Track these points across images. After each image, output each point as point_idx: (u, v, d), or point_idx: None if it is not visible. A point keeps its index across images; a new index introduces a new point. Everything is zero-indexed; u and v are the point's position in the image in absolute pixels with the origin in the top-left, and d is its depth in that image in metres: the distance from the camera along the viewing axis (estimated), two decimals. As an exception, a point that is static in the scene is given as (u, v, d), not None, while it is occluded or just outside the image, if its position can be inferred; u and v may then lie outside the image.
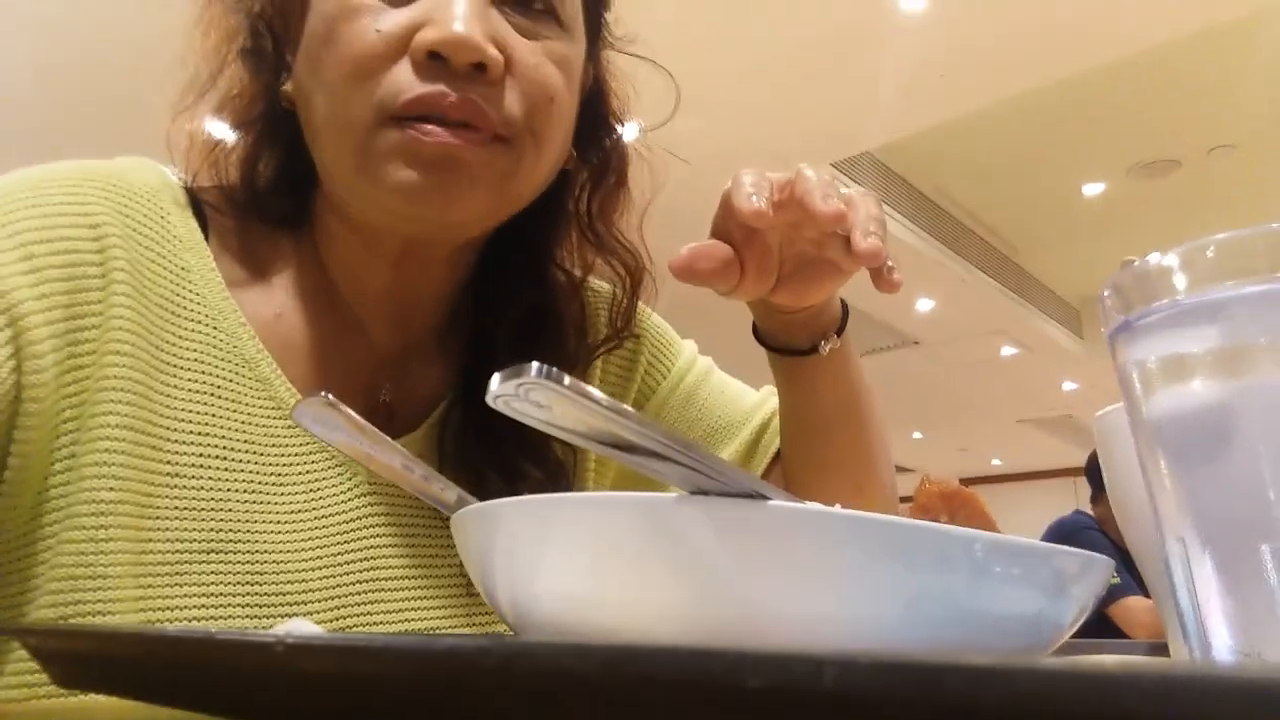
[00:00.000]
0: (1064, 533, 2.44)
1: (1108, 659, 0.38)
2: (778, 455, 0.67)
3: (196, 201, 0.58)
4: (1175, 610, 0.29)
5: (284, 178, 0.59)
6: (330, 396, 0.29)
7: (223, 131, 0.58)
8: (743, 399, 0.71)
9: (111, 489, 0.47)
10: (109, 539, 0.47)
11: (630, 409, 0.23)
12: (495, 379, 0.21)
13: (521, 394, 0.21)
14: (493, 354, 0.61)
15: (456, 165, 0.50)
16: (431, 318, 0.62)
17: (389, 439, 0.31)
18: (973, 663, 0.09)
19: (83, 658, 0.28)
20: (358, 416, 0.30)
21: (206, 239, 0.57)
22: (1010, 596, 0.29)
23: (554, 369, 0.20)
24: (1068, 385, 7.34)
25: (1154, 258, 0.27)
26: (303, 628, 0.32)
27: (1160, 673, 0.09)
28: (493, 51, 0.50)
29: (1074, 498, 7.23)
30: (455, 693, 0.16)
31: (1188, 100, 3.87)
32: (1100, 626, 2.25)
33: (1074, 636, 0.49)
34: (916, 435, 9.26)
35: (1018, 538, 0.29)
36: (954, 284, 5.04)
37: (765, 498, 0.25)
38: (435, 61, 0.50)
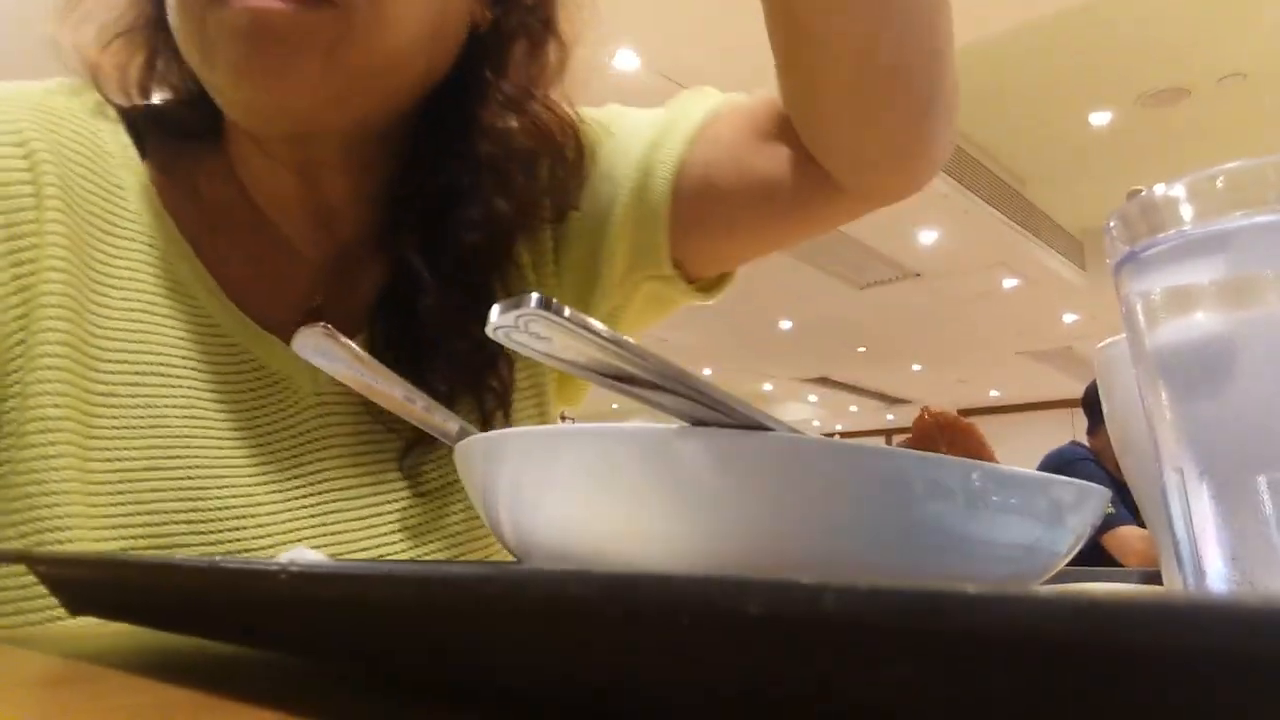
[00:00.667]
0: (1059, 463, 2.46)
1: (1102, 587, 0.39)
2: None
3: (131, 119, 0.56)
4: (1171, 540, 0.29)
5: (186, 89, 0.56)
6: (329, 327, 0.29)
7: (118, 45, 0.55)
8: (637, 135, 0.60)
9: (56, 405, 0.47)
10: (58, 455, 0.47)
11: (631, 341, 0.23)
12: (495, 310, 0.20)
13: (521, 325, 0.20)
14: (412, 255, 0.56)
15: (272, 34, 0.45)
16: (358, 222, 0.58)
17: (390, 370, 0.31)
18: (969, 590, 0.09)
19: (88, 585, 0.29)
20: (357, 347, 0.30)
21: (143, 157, 0.55)
22: (1007, 525, 0.29)
23: (554, 300, 0.20)
24: (1068, 317, 7.34)
25: (1160, 188, 0.26)
26: (305, 555, 0.33)
27: (1162, 602, 0.09)
28: None
29: (1071, 429, 7.28)
30: (455, 619, 0.17)
31: (1198, 28, 3.79)
32: (1093, 555, 2.29)
33: (1068, 565, 0.49)
34: (916, 367, 9.29)
35: (1015, 468, 0.30)
36: (958, 215, 5.00)
37: (766, 428, 0.25)
38: None
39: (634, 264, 0.60)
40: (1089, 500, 0.33)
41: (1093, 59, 4.04)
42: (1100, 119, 4.59)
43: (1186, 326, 0.26)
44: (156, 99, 0.57)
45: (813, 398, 11.09)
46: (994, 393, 10.52)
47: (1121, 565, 2.22)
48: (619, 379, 0.24)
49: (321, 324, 0.29)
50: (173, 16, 0.49)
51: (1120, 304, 0.29)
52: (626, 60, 3.54)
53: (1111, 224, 0.29)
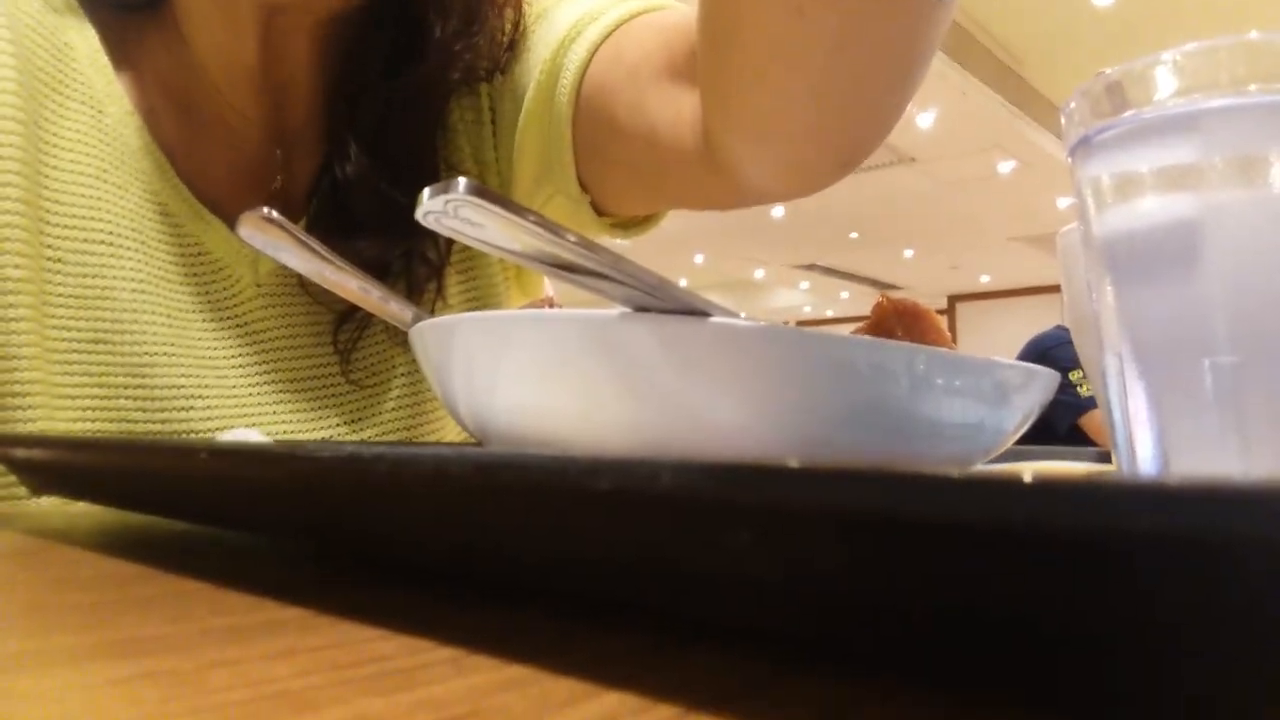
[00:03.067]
0: (1042, 348, 2.49)
1: (1044, 465, 0.40)
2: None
3: None
4: (1111, 423, 0.30)
5: None
6: (273, 213, 0.28)
7: None
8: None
9: (17, 266, 0.47)
10: (18, 318, 0.47)
11: (569, 230, 0.23)
12: (424, 194, 0.20)
13: (451, 210, 0.20)
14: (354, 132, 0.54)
15: None
16: (311, 103, 0.57)
17: (340, 260, 0.31)
18: (792, 467, 0.09)
19: (40, 467, 0.29)
20: (305, 235, 0.29)
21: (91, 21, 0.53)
22: (951, 407, 0.30)
23: (483, 186, 0.20)
24: (1063, 202, 7.27)
25: (1114, 71, 0.26)
26: (248, 436, 0.33)
27: (969, 478, 0.09)
28: None
29: (1060, 314, 7.31)
30: (353, 495, 0.17)
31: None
32: (1073, 437, 2.34)
33: (1038, 445, 0.51)
34: (908, 253, 9.25)
35: (959, 353, 0.30)
36: (955, 96, 4.89)
37: (706, 314, 0.25)
38: None
39: (543, 170, 0.55)
40: (1035, 381, 0.34)
41: (1100, -70, 3.88)
42: (1104, -3, 4.44)
43: (1131, 213, 0.26)
44: None
45: (804, 284, 11.08)
46: (984, 278, 10.52)
47: (1098, 446, 2.27)
48: (558, 265, 0.24)
49: (266, 210, 0.28)
50: None
51: (1073, 188, 0.29)
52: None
53: (1070, 105, 0.28)
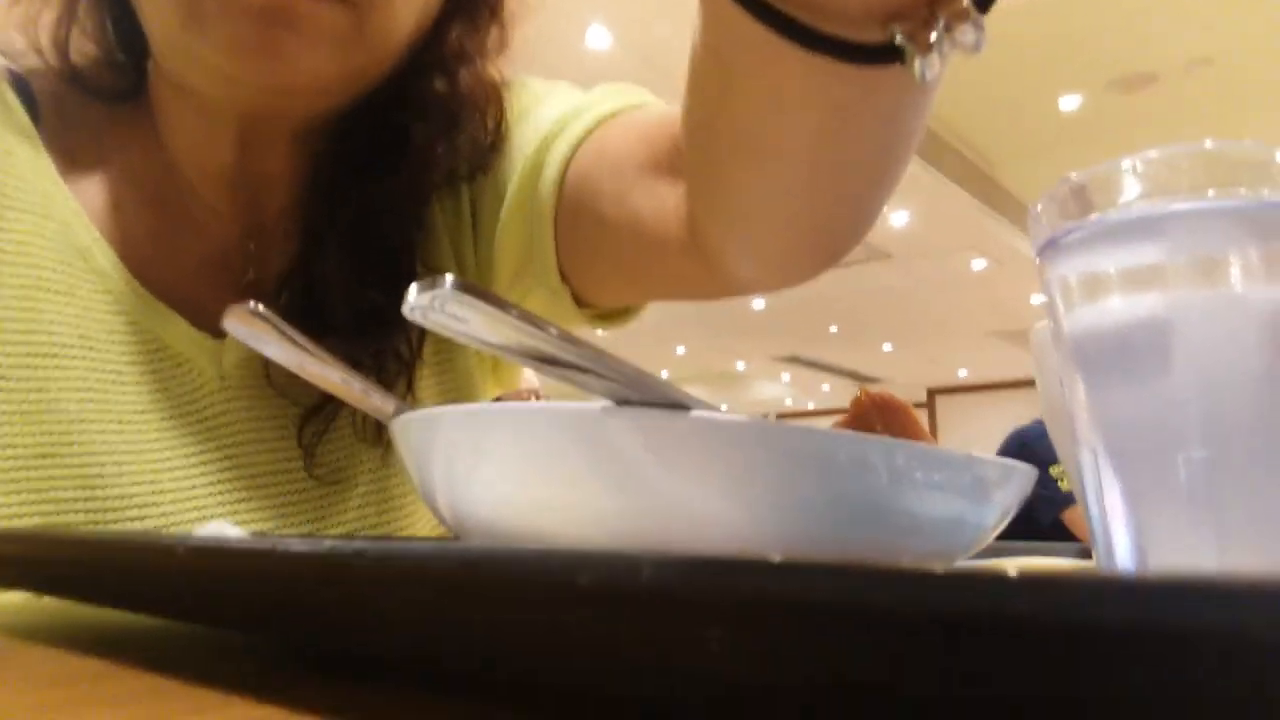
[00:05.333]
0: (1022, 441, 2.50)
1: (1024, 561, 0.40)
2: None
3: (21, 80, 0.53)
4: (1089, 518, 0.30)
5: (112, 42, 0.54)
6: (260, 307, 0.29)
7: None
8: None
9: None
10: None
11: (552, 324, 0.23)
12: (411, 290, 0.21)
13: (437, 306, 0.21)
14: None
15: (285, 20, 0.44)
16: (286, 195, 0.56)
17: (324, 352, 0.31)
18: (769, 561, 0.09)
19: (4, 561, 0.29)
20: (288, 326, 0.30)
21: (37, 121, 0.53)
22: (930, 501, 0.30)
23: (471, 282, 0.21)
24: (1036, 299, 7.41)
25: (1079, 176, 0.27)
26: (226, 531, 0.33)
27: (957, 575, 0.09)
28: None
29: (1039, 408, 7.37)
30: (331, 592, 0.17)
31: (1165, 13, 3.82)
32: (1057, 531, 2.33)
33: (1026, 539, 0.51)
34: (887, 347, 9.37)
35: (939, 448, 0.30)
36: (928, 196, 5.04)
37: (686, 407, 0.25)
38: None
39: (523, 264, 0.55)
40: (1014, 478, 0.34)
41: (1062, 43, 4.07)
42: (1070, 103, 4.63)
43: (1101, 311, 0.27)
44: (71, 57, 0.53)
45: (785, 377, 11.16)
46: (962, 372, 10.64)
47: (1080, 541, 2.26)
48: (540, 359, 0.24)
49: (253, 304, 0.29)
50: None
51: (1042, 288, 0.30)
52: (599, 38, 3.51)
53: (1037, 208, 0.29)
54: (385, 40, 0.49)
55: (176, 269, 0.54)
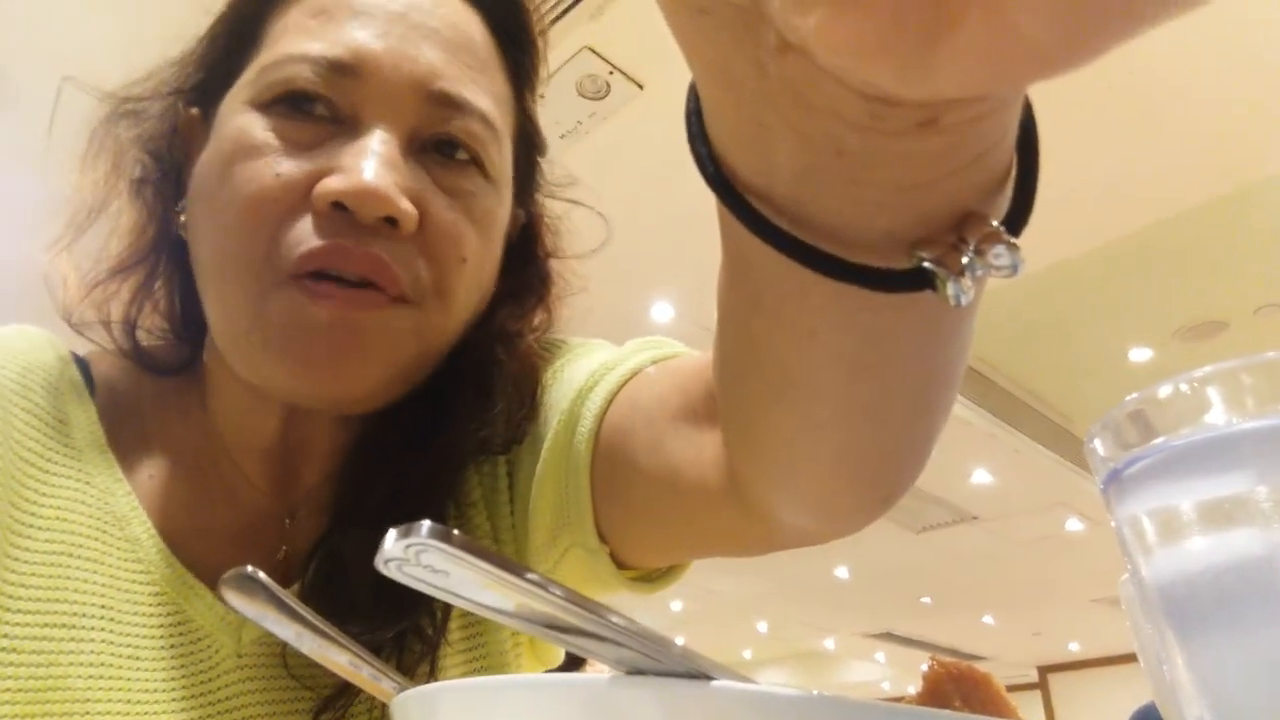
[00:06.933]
0: (1149, 722, 2.24)
1: None
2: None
3: (80, 360, 0.56)
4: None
5: (178, 318, 0.56)
6: (258, 572, 0.27)
7: (107, 265, 0.54)
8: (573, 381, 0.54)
9: None
10: None
11: (551, 581, 0.21)
12: (387, 538, 0.19)
13: (413, 557, 0.19)
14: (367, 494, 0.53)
15: (352, 332, 0.46)
16: (324, 468, 0.56)
17: (330, 629, 0.29)
18: None
19: None
20: (291, 598, 0.28)
21: (93, 393, 0.55)
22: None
23: (449, 530, 0.19)
24: (1142, 560, 6.98)
25: (1134, 398, 0.25)
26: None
27: None
28: (406, 205, 0.46)
29: (1163, 684, 6.68)
30: None
31: (1230, 260, 3.88)
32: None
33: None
34: (987, 619, 8.79)
35: (1023, 722, 0.26)
36: (1008, 455, 4.93)
37: (709, 677, 0.22)
38: (339, 213, 0.46)
39: (560, 523, 0.53)
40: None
41: (1128, 296, 4.11)
42: (1140, 355, 4.60)
43: (1183, 555, 0.23)
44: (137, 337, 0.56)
45: (880, 656, 10.46)
46: (1073, 645, 9.84)
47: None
48: (542, 623, 0.22)
49: (250, 569, 0.27)
50: (219, 280, 0.48)
51: (1115, 532, 0.27)
52: (663, 312, 3.70)
53: (1094, 441, 0.27)
54: (441, 337, 0.51)
55: (210, 541, 0.53)
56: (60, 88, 2.24)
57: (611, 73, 2.45)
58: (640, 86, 2.52)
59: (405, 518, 0.58)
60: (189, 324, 0.57)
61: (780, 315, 0.31)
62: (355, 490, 0.53)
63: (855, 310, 0.29)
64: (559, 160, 0.63)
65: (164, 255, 0.55)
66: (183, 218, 0.52)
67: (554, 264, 0.61)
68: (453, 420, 0.55)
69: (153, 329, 0.57)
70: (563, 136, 2.58)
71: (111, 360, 0.57)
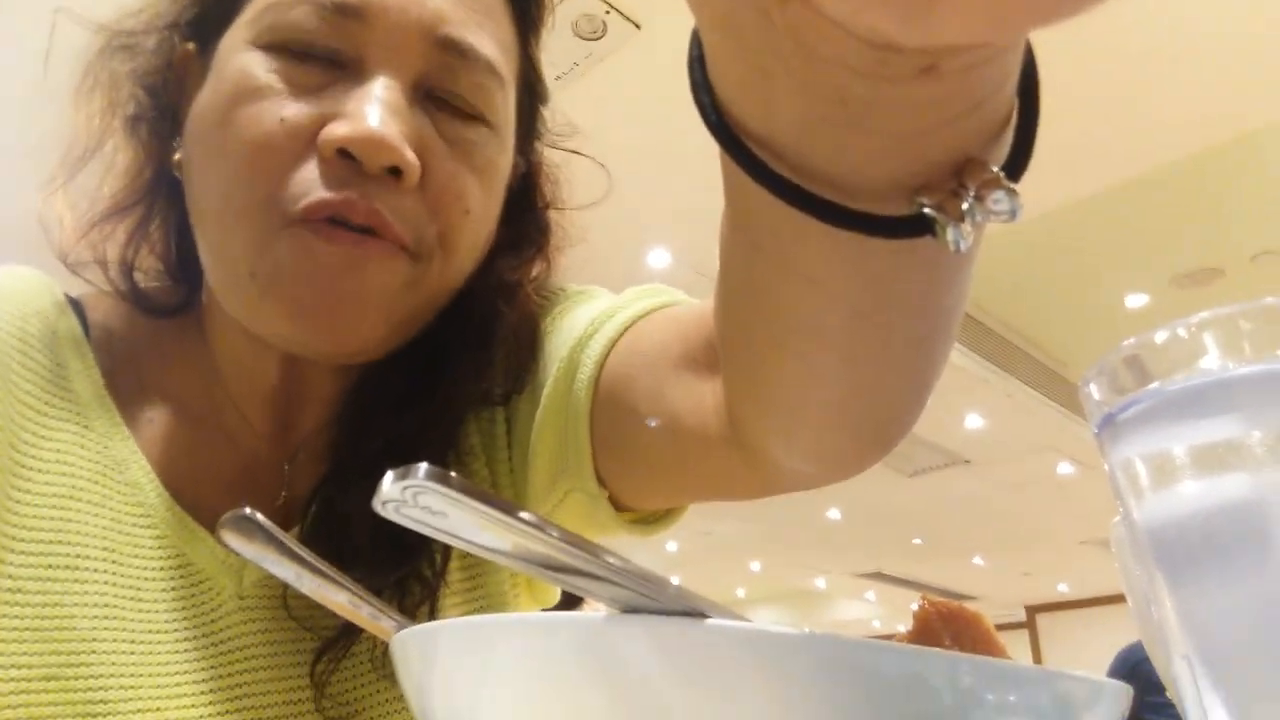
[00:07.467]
0: (1132, 661, 2.30)
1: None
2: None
3: (75, 303, 0.56)
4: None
5: (174, 260, 0.56)
6: (257, 514, 0.27)
7: (102, 206, 0.54)
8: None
9: None
10: None
11: (548, 522, 0.21)
12: (385, 480, 0.19)
13: (410, 499, 0.19)
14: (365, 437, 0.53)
15: (357, 273, 0.45)
16: (323, 414, 0.56)
17: (329, 569, 0.29)
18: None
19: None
20: (290, 540, 0.28)
21: (88, 337, 0.54)
22: (1003, 728, 0.26)
23: (446, 472, 0.19)
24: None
25: (1130, 343, 0.25)
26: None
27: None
28: (410, 156, 0.46)
29: (1147, 623, 6.82)
30: None
31: (1228, 207, 3.86)
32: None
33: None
34: (977, 560, 8.93)
35: (1012, 662, 0.26)
36: (1000, 400, 4.96)
37: (704, 614, 0.22)
38: (345, 160, 0.45)
39: (559, 468, 0.53)
40: (1105, 697, 0.29)
41: (1125, 242, 4.10)
42: (1136, 301, 4.61)
43: (1175, 498, 0.23)
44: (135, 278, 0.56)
45: (871, 595, 10.64)
46: (1062, 586, 10.02)
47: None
48: (539, 563, 0.22)
49: (248, 510, 0.27)
50: (218, 224, 0.48)
51: (1108, 476, 0.27)
52: (659, 259, 3.68)
53: (1089, 385, 0.27)
54: (441, 287, 0.51)
55: (210, 485, 0.53)
56: (54, 20, 2.18)
57: (608, 12, 2.40)
58: (637, 26, 2.47)
59: (403, 464, 0.58)
60: (185, 265, 0.57)
61: (782, 262, 0.31)
62: (354, 437, 0.53)
63: (856, 257, 0.29)
64: (554, 102, 0.62)
65: (160, 196, 0.54)
66: (177, 156, 0.51)
67: (553, 214, 0.61)
68: (452, 369, 0.55)
69: (149, 270, 0.57)
70: (558, 78, 2.54)
71: (108, 303, 0.57)
